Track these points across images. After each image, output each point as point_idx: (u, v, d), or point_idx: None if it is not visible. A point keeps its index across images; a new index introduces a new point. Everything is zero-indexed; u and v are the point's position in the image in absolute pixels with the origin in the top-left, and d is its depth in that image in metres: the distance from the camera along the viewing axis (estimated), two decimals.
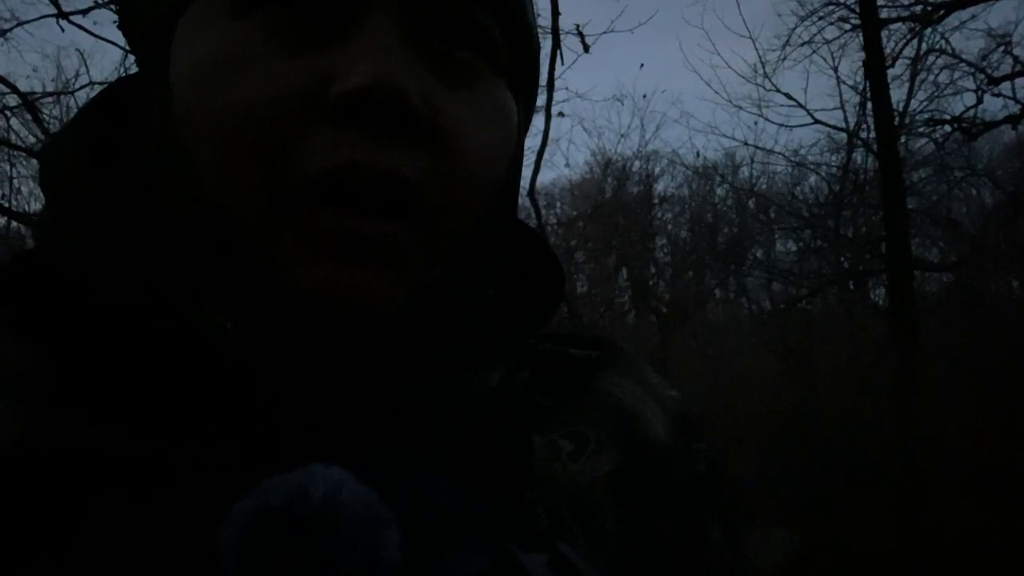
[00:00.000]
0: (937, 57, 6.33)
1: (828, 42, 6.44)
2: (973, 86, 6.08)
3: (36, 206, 6.07)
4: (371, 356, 0.32)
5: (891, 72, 5.61)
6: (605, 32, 5.10)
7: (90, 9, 3.56)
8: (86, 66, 6.06)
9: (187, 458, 0.30)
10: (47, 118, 4.37)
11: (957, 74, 6.42)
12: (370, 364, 0.32)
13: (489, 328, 0.38)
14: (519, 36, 0.37)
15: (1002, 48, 5.94)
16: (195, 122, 0.31)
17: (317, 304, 0.30)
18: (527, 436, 0.39)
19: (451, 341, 0.35)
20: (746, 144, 8.23)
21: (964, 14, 5.75)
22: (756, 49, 9.31)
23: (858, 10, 5.25)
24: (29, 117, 4.37)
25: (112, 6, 3.38)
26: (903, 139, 6.23)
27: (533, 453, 0.39)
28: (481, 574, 0.29)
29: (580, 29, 3.90)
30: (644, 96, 15.94)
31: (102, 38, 3.80)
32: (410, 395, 0.33)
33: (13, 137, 4.60)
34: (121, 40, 3.84)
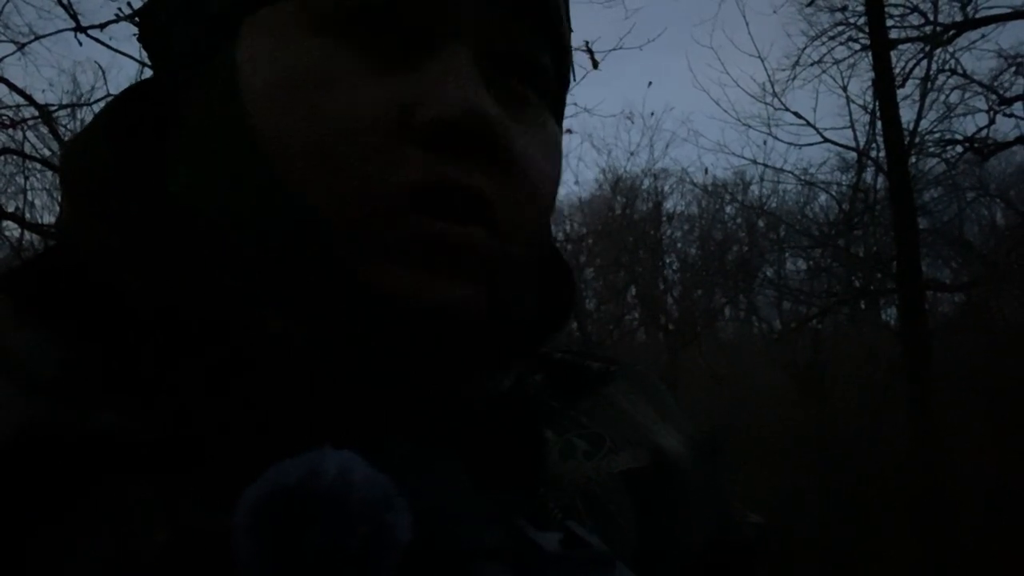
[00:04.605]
0: (948, 77, 6.33)
1: (838, 62, 6.45)
2: (984, 106, 6.08)
3: (50, 218, 6.13)
4: (415, 356, 0.33)
5: (901, 92, 5.61)
6: (614, 49, 5.12)
7: (108, 23, 3.59)
8: (104, 79, 6.14)
9: (199, 444, 0.31)
10: (63, 130, 4.42)
11: (968, 94, 6.42)
12: (409, 363, 0.33)
13: (507, 335, 0.38)
14: (563, 69, 0.40)
15: (1014, 68, 5.94)
16: (285, 133, 0.32)
17: (404, 305, 0.32)
18: (539, 433, 0.40)
19: (476, 345, 0.36)
20: (755, 162, 8.16)
21: (974, 34, 5.77)
22: (765, 68, 9.31)
23: (867, 31, 5.26)
24: (45, 129, 4.42)
25: (132, 20, 3.42)
26: (914, 159, 6.21)
27: (546, 449, 0.39)
28: (492, 550, 0.29)
29: (589, 46, 3.92)
30: (652, 114, 15.99)
31: (120, 51, 3.83)
32: (422, 392, 0.34)
33: (28, 149, 4.66)
34: (137, 53, 3.89)
